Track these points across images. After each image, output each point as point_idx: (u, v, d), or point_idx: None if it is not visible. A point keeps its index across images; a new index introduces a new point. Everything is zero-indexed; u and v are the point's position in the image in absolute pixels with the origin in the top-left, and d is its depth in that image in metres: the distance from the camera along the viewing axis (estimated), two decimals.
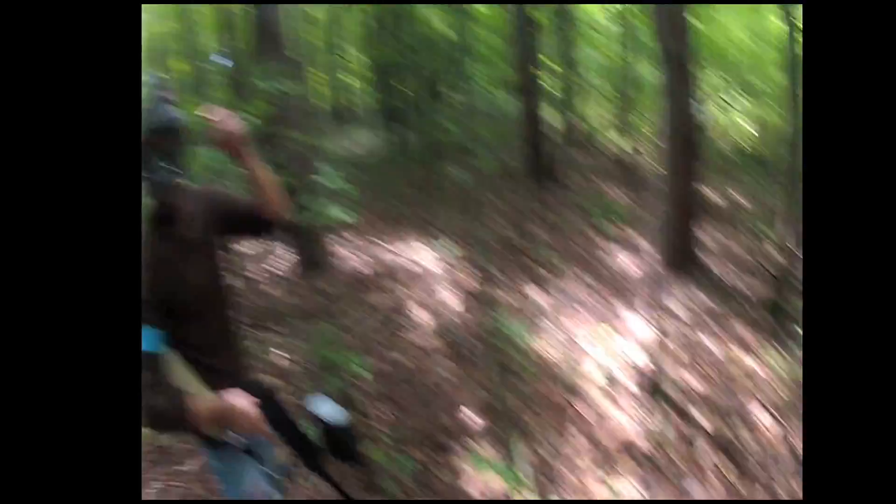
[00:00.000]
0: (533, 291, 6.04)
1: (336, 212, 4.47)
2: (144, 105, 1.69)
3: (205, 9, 14.84)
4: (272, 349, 5.03)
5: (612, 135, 13.61)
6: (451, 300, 5.93)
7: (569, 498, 3.23)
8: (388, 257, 7.15)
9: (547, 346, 4.93)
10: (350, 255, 7.31)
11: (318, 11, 17.49)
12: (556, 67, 12.47)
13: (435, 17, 12.49)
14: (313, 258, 6.60)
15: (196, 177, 2.02)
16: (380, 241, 7.63)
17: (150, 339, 1.72)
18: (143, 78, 1.62)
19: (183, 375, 1.87)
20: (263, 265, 7.02)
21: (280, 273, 6.86)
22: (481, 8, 13.17)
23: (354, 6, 14.71)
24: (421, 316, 5.65)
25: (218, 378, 1.93)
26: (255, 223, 2.10)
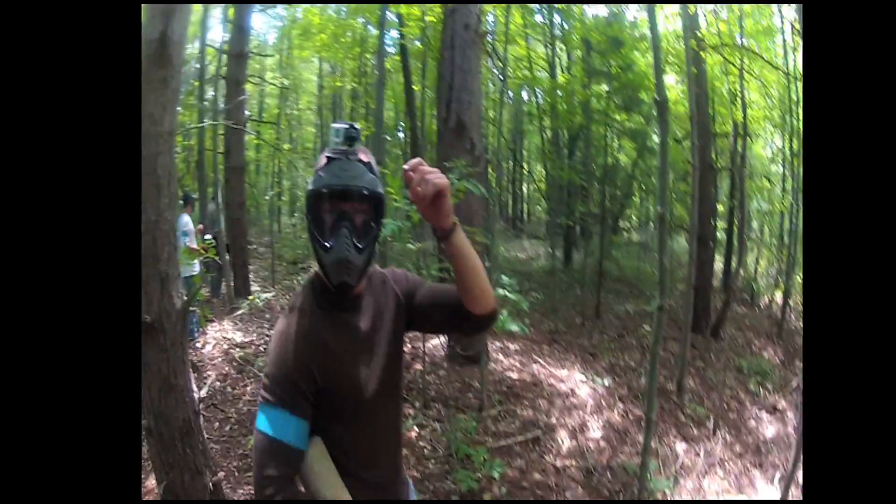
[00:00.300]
0: (679, 444, 5.95)
1: (514, 325, 4.87)
2: (333, 157, 1.58)
3: (397, 85, 16.25)
4: (413, 427, 5.40)
5: (774, 290, 13.22)
6: (595, 429, 5.98)
7: None
8: (540, 371, 7.33)
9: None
10: (504, 358, 7.59)
11: (502, 114, 18.65)
12: (722, 210, 12.42)
13: (623, 146, 12.92)
14: (469, 352, 6.95)
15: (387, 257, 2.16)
16: (535, 355, 7.84)
17: (293, 430, 1.50)
18: (335, 126, 1.58)
19: (327, 482, 1.60)
20: (415, 345, 7.03)
21: (431, 357, 7.20)
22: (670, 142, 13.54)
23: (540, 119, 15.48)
24: (561, 435, 5.75)
25: (368, 492, 1.68)
26: (463, 318, 1.69)
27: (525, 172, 20.48)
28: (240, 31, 10.06)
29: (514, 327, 4.89)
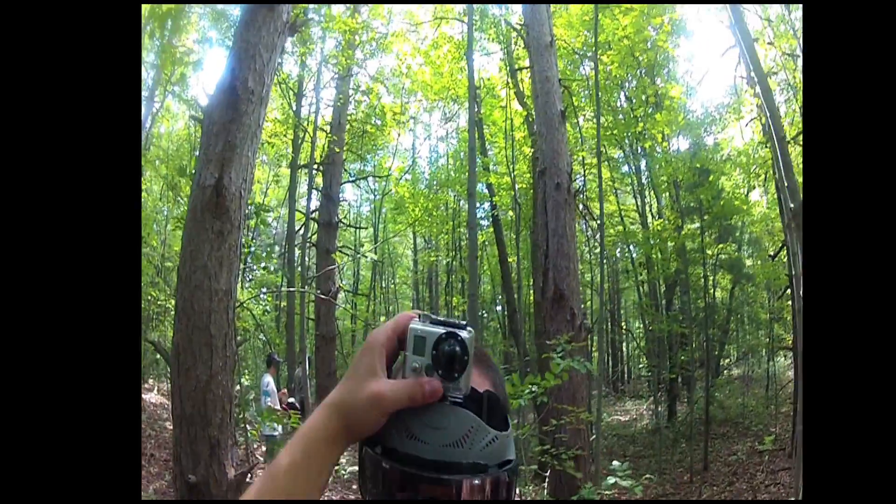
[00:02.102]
0: None
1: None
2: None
3: (492, 257, 16.26)
4: None
5: None
6: None
7: None
8: None
9: None
10: None
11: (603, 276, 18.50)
12: None
13: (718, 282, 12.53)
14: None
15: None
16: None
17: None
18: (418, 330, 0.95)
19: None
20: None
21: None
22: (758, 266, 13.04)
23: None
24: None
25: None
26: None
27: (624, 331, 19.80)
28: (328, 199, 10.70)
29: None
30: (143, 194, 15.52)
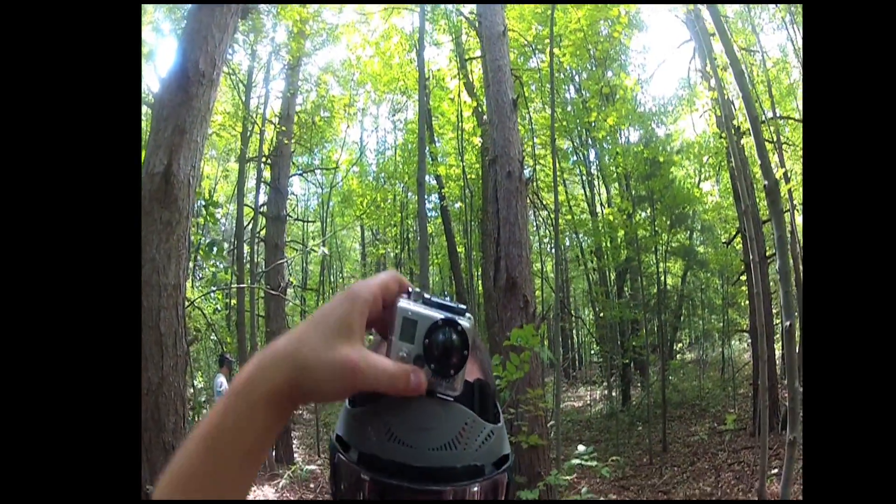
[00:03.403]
0: None
1: (591, 496, 4.48)
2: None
3: (440, 248, 16.16)
4: None
5: None
6: None
7: None
8: None
9: None
10: None
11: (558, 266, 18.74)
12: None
13: (669, 269, 12.82)
14: None
15: None
16: None
17: None
18: (407, 310, 0.84)
19: None
20: None
21: None
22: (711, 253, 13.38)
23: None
24: None
25: None
26: None
27: (574, 319, 19.98)
28: (277, 193, 10.42)
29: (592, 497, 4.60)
30: None
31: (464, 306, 0.70)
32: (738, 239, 11.01)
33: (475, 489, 0.69)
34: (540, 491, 4.96)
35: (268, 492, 7.77)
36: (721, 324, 14.14)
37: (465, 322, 0.66)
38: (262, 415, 0.60)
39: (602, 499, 4.75)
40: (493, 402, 0.77)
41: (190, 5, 5.81)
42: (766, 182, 4.02)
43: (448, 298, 0.71)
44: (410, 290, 0.69)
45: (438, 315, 0.66)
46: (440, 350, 0.65)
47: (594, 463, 4.86)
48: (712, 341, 15.79)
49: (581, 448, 5.06)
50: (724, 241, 13.29)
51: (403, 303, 0.67)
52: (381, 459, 0.68)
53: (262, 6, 10.13)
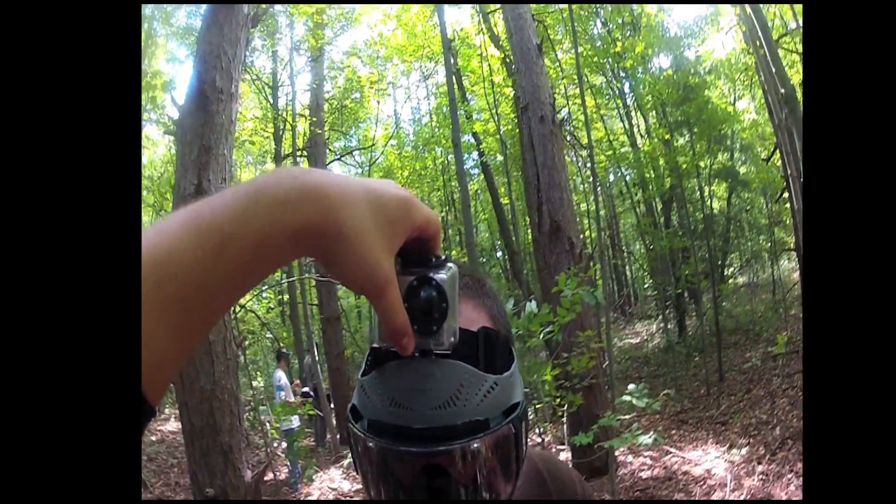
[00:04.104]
0: None
1: (647, 439, 4.46)
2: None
3: (487, 203, 15.86)
4: None
5: None
6: None
7: None
8: (673, 462, 6.57)
9: None
10: (634, 459, 6.91)
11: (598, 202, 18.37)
12: None
13: (714, 192, 12.38)
14: (594, 464, 6.29)
15: None
16: (666, 446, 7.06)
17: None
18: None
19: None
20: None
21: None
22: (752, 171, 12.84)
23: None
24: None
25: None
26: None
27: (625, 254, 19.55)
28: None
29: (647, 440, 4.48)
30: None
31: (445, 257, 0.66)
32: (778, 155, 10.50)
33: (475, 445, 0.68)
34: (595, 433, 4.92)
35: (334, 474, 7.99)
36: (769, 244, 13.66)
37: (441, 274, 0.63)
38: (283, 248, 0.50)
39: (603, 499, 4.69)
40: (501, 350, 0.76)
41: (200, 28, 5.85)
42: (783, 90, 3.80)
43: (437, 257, 0.65)
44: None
45: (412, 276, 0.63)
46: (420, 309, 0.62)
47: (644, 402, 4.74)
48: (762, 262, 15.22)
49: (631, 387, 4.92)
50: (763, 158, 12.66)
51: None
52: (385, 424, 0.69)
53: (276, 6, 10.13)
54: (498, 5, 11.27)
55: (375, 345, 0.71)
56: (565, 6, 12.28)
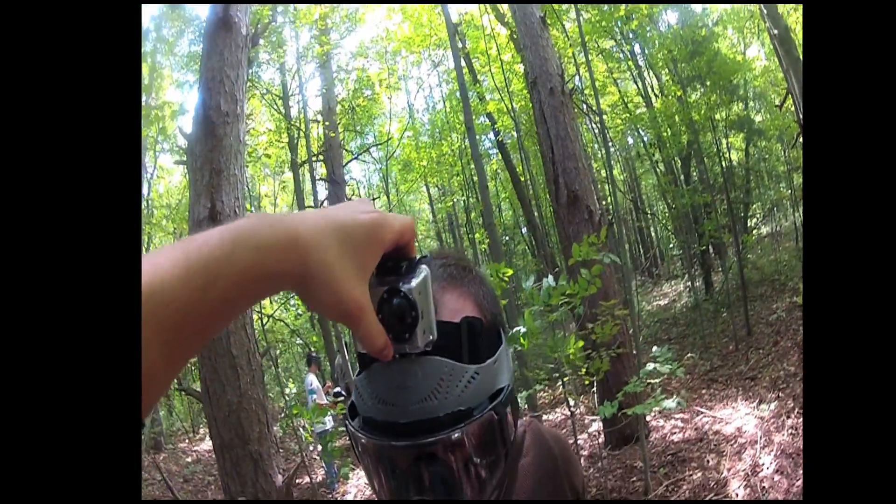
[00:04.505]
0: None
1: (670, 403, 4.43)
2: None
3: (507, 182, 15.77)
4: None
5: None
6: (768, 465, 5.08)
7: None
8: (704, 423, 6.50)
9: None
10: (665, 422, 6.83)
11: (611, 168, 17.96)
12: None
13: (732, 144, 12.06)
14: (625, 432, 6.28)
15: None
16: (696, 405, 7.00)
17: None
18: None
19: None
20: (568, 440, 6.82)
21: (587, 449, 6.70)
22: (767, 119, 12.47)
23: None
24: (733, 487, 4.98)
25: None
26: None
27: (649, 216, 19.16)
28: (334, 184, 10.60)
29: (671, 404, 4.45)
30: None
31: (421, 257, 0.70)
32: (790, 100, 10.15)
33: (456, 436, 0.71)
34: (620, 401, 4.89)
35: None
36: (789, 191, 13.25)
37: (410, 283, 0.65)
38: (263, 285, 0.55)
39: (608, 499, 4.65)
40: (485, 337, 0.78)
41: (201, 56, 5.89)
42: (775, 30, 3.64)
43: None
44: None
45: (383, 288, 0.65)
46: (393, 319, 0.65)
47: (666, 368, 4.67)
48: (784, 211, 14.78)
49: (655, 349, 4.89)
50: (776, 105, 12.26)
51: None
52: (376, 421, 0.74)
53: (278, 19, 10.19)
54: None
55: (361, 350, 0.73)
56: None
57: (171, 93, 12.91)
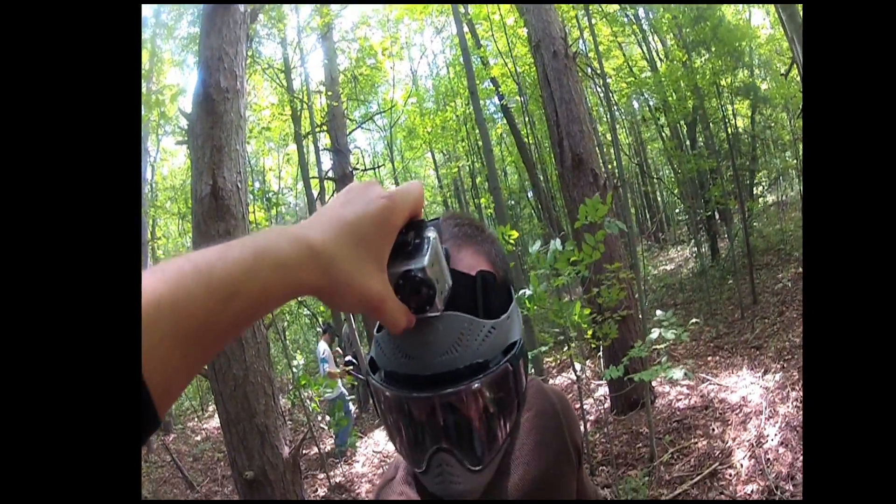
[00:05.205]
0: None
1: (678, 373, 4.35)
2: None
3: (512, 146, 15.43)
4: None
5: None
6: (773, 436, 5.02)
7: None
8: (709, 391, 6.44)
9: None
10: (671, 389, 6.77)
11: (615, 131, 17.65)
12: None
13: (737, 111, 11.79)
14: (631, 397, 6.24)
15: None
16: (702, 372, 6.93)
17: None
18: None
19: None
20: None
21: (593, 414, 6.65)
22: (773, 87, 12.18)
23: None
24: (738, 458, 4.93)
25: None
26: None
27: (654, 180, 18.89)
28: (339, 154, 10.43)
29: (678, 374, 4.33)
30: (163, 239, 15.66)
31: (428, 223, 0.72)
32: (796, 69, 9.87)
33: (475, 386, 0.74)
34: (625, 366, 4.80)
35: (378, 437, 8.06)
36: (795, 161, 12.99)
37: (422, 262, 0.67)
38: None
39: (614, 499, 4.58)
40: (498, 292, 0.82)
41: (199, 35, 5.75)
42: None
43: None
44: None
45: (399, 269, 0.67)
46: (410, 298, 0.68)
47: (671, 334, 4.58)
48: (790, 180, 14.53)
49: (659, 313, 4.85)
50: (781, 73, 11.95)
51: None
52: (398, 374, 0.77)
53: None
54: None
55: None
56: None
57: (172, 75, 12.74)
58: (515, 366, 0.78)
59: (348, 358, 7.79)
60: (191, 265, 0.52)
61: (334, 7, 11.87)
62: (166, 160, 15.32)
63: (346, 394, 7.75)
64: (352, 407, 8.45)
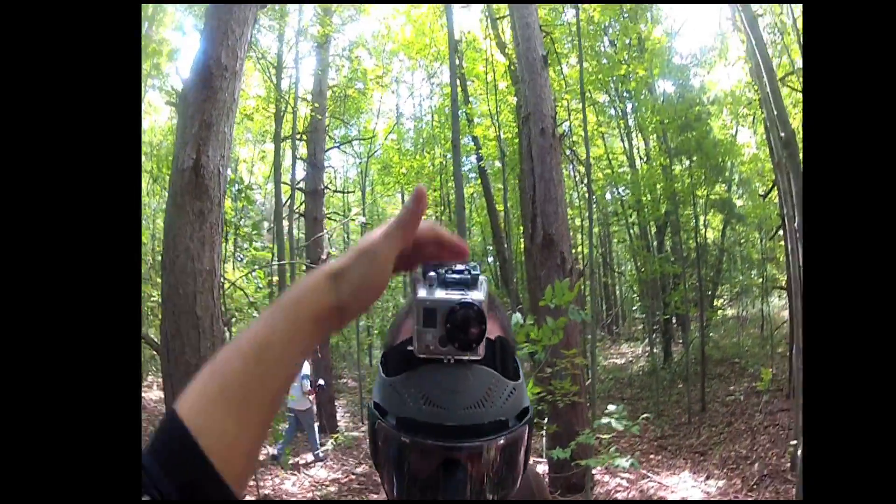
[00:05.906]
0: None
1: (624, 462, 4.44)
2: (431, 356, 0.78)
3: (481, 209, 15.80)
4: None
5: None
6: None
7: None
8: (649, 487, 6.56)
9: None
10: (611, 479, 6.88)
11: (592, 220, 18.30)
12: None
13: (709, 221, 12.43)
14: (571, 480, 6.29)
15: None
16: (643, 469, 7.04)
17: None
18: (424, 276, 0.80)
19: None
20: None
21: None
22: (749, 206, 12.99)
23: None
24: None
25: None
26: None
27: (616, 274, 19.57)
28: (314, 167, 10.47)
29: (624, 463, 4.49)
30: None
31: (475, 267, 0.76)
32: (776, 192, 10.66)
33: (501, 442, 0.75)
34: (572, 450, 4.90)
35: (308, 457, 7.99)
36: (760, 279, 13.81)
37: (477, 295, 0.71)
38: (308, 330, 0.70)
39: (614, 499, 4.69)
40: (512, 358, 0.82)
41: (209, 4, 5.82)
42: (782, 133, 3.85)
43: (464, 266, 0.77)
44: (425, 273, 0.74)
45: (455, 298, 0.70)
46: (460, 330, 0.70)
47: (622, 424, 4.73)
48: (752, 297, 15.39)
49: (611, 407, 4.98)
50: (761, 194, 12.82)
51: (421, 292, 0.72)
52: (417, 422, 0.74)
53: None
54: (507, 13, 11.35)
55: (410, 348, 0.75)
56: (573, 21, 12.43)
57: (170, 34, 12.58)
58: (530, 430, 0.81)
59: (321, 382, 7.78)
60: (246, 343, 0.67)
61: (337, 20, 12.13)
62: (149, 114, 14.95)
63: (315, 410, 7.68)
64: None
